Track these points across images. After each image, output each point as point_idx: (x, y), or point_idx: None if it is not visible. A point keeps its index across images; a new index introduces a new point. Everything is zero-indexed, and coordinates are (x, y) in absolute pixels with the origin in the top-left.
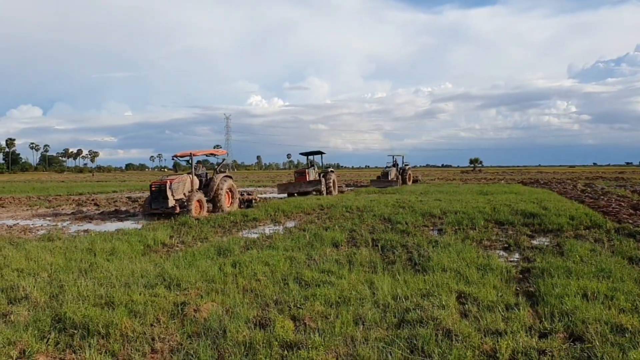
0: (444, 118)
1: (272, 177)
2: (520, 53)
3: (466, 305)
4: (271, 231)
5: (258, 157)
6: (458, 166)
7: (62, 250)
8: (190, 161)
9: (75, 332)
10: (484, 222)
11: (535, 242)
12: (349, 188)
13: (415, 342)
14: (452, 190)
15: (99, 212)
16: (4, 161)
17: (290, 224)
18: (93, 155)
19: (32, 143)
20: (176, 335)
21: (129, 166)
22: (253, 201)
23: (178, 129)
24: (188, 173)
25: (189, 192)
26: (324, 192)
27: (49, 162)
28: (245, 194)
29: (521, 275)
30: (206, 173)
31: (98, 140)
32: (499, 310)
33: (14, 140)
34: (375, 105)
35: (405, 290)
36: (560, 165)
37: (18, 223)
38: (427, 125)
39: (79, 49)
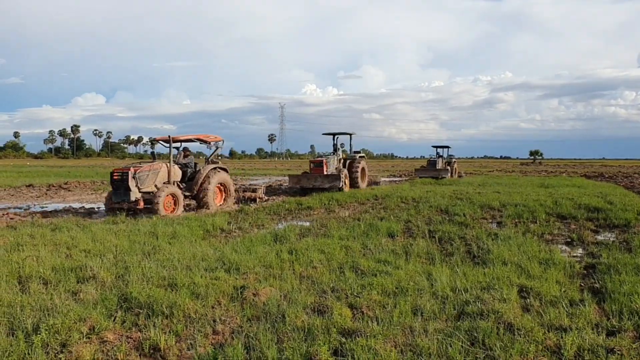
0: (503, 108)
1: None
2: (585, 41)
3: (528, 300)
4: (325, 220)
5: (311, 147)
6: (517, 158)
7: (126, 233)
8: (170, 147)
9: (141, 311)
10: (545, 215)
11: (600, 238)
12: (402, 178)
13: (475, 334)
14: (511, 182)
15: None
16: (69, 147)
17: (344, 213)
18: (153, 142)
19: (95, 130)
20: (236, 318)
21: None
22: (257, 200)
23: (234, 118)
24: (175, 161)
25: (164, 184)
26: (344, 187)
27: (111, 149)
28: (248, 190)
29: (585, 271)
30: (195, 164)
31: (158, 128)
32: (562, 306)
33: (79, 126)
34: (432, 95)
35: (465, 282)
36: (627, 159)
37: (83, 206)
38: (485, 115)
39: (140, 38)
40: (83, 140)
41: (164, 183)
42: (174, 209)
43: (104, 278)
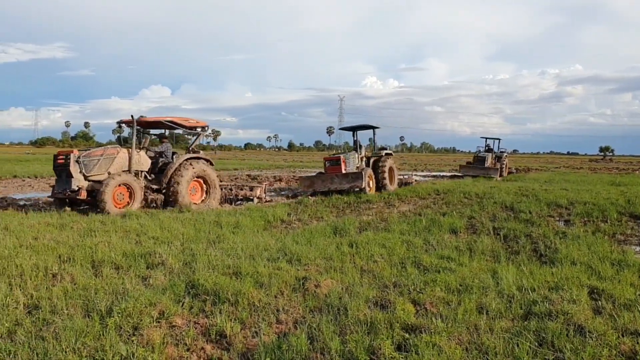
0: (572, 102)
1: None
2: None
3: (599, 302)
4: (385, 214)
5: (370, 140)
6: (585, 154)
7: (192, 221)
8: (133, 129)
9: (207, 298)
10: (617, 214)
11: None
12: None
13: (544, 335)
14: (579, 179)
15: None
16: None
17: (404, 208)
18: (215, 134)
19: None
20: (299, 309)
21: (247, 145)
22: (255, 200)
23: (293, 110)
24: (146, 147)
25: (122, 172)
26: (368, 188)
27: (176, 140)
28: (245, 187)
29: None
30: (174, 153)
31: (220, 120)
32: (638, 310)
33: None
34: (496, 87)
35: (532, 281)
36: None
37: None
38: (552, 109)
39: (205, 32)
40: (149, 131)
41: (124, 171)
42: (128, 202)
43: (172, 265)
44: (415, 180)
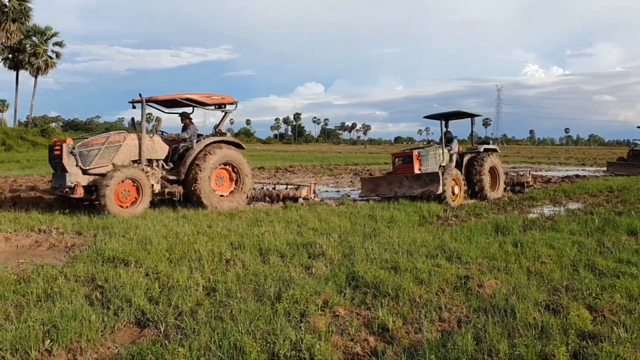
0: None
1: (546, 153)
2: None
3: None
4: (551, 212)
5: (531, 132)
6: None
7: (347, 214)
8: (142, 110)
9: (368, 290)
10: None
11: None
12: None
13: None
14: None
15: None
16: (291, 133)
17: (572, 206)
18: (365, 128)
19: (314, 117)
20: (462, 308)
21: (397, 139)
22: (299, 200)
23: (446, 102)
24: (158, 133)
25: (132, 163)
26: (451, 196)
27: (327, 135)
28: (289, 187)
29: None
30: (199, 135)
31: (370, 115)
32: None
33: (300, 114)
34: None
35: None
36: None
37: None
38: None
39: (358, 26)
40: (303, 127)
41: (132, 162)
42: (135, 200)
43: (331, 256)
44: (532, 180)
